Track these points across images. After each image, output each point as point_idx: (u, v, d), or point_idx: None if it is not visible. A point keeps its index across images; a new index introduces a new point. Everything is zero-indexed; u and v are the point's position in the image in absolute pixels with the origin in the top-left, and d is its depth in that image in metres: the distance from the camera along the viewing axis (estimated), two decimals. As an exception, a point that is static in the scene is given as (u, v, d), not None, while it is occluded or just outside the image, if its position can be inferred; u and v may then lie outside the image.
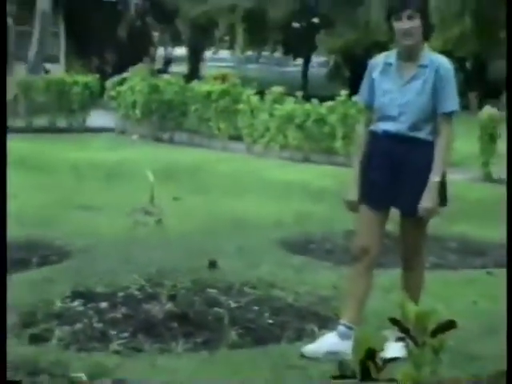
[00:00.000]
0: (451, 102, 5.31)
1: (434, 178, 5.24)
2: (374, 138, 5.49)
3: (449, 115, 5.31)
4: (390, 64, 5.38)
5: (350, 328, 5.40)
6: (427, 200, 5.23)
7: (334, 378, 3.64)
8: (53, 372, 4.75)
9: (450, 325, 3.90)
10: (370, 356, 3.54)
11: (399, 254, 5.57)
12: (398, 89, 5.34)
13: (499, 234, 9.17)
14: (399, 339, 4.86)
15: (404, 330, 3.84)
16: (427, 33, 5.40)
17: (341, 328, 5.42)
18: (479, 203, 11.28)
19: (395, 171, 5.34)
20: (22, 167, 13.28)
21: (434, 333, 3.79)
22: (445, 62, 5.38)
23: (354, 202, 5.51)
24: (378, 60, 5.48)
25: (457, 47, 25.23)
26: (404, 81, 5.34)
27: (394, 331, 4.84)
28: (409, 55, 5.35)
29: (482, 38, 27.36)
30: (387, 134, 5.39)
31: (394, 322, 4.11)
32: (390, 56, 5.44)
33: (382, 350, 3.59)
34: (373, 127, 5.50)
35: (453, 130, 5.36)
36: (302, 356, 5.26)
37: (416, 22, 5.27)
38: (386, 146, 5.40)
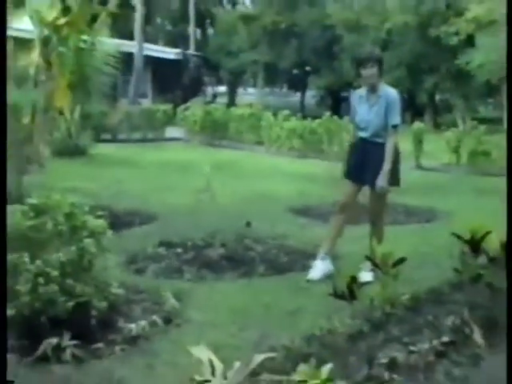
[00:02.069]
0: (396, 118, 5.29)
1: (386, 166, 5.23)
2: (356, 140, 5.54)
3: (395, 127, 5.29)
4: (362, 96, 5.42)
5: (327, 255, 5.44)
6: (381, 180, 5.23)
7: (331, 294, 3.65)
8: (149, 292, 4.74)
9: (402, 260, 3.89)
10: (352, 281, 3.55)
11: (369, 215, 5.52)
12: (366, 111, 5.37)
13: (426, 202, 9.14)
14: (370, 270, 4.84)
15: (374, 263, 3.84)
16: (381, 74, 5.34)
17: (322, 256, 5.45)
18: (414, 183, 11.15)
19: (364, 161, 5.36)
20: (125, 165, 13.29)
21: (394, 265, 3.78)
22: (393, 93, 5.36)
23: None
24: (356, 94, 5.52)
25: (397, 84, 25.17)
26: (369, 106, 5.35)
27: (367, 264, 4.84)
28: (371, 89, 5.33)
29: (412, 79, 27.84)
30: (361, 138, 5.43)
31: (368, 258, 4.10)
32: (361, 91, 5.47)
33: (359, 276, 3.59)
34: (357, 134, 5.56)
35: (397, 136, 5.35)
36: (307, 281, 5.24)
37: (374, 70, 5.24)
38: (360, 146, 5.45)
